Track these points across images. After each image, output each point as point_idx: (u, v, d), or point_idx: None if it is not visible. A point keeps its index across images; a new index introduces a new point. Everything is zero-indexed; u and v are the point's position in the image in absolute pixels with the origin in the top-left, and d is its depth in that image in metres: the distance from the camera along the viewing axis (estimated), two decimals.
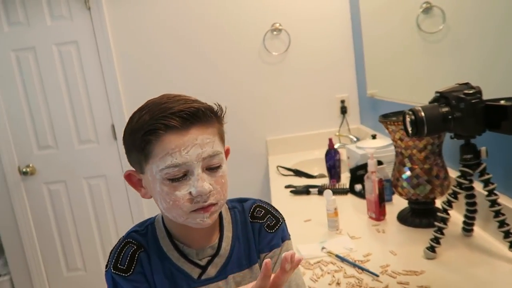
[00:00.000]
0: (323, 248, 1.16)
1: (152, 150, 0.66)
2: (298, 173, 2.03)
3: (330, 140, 1.79)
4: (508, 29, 1.00)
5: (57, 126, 2.48)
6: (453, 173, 1.19)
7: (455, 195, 1.00)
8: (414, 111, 0.93)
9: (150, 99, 0.71)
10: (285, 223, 0.82)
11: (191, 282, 0.74)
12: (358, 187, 1.57)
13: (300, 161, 2.23)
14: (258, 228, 0.79)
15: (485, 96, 0.90)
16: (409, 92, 1.64)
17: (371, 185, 1.30)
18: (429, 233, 1.04)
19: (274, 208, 0.84)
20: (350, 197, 1.59)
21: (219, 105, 0.72)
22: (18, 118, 2.47)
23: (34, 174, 2.52)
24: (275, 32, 2.39)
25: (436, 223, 1.02)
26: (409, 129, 0.96)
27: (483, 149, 0.95)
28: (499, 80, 1.04)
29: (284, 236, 0.80)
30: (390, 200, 1.44)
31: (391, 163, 1.36)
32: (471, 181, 0.99)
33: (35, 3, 2.35)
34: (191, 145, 0.66)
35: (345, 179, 1.76)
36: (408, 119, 0.95)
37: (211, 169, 0.69)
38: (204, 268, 0.75)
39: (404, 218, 1.27)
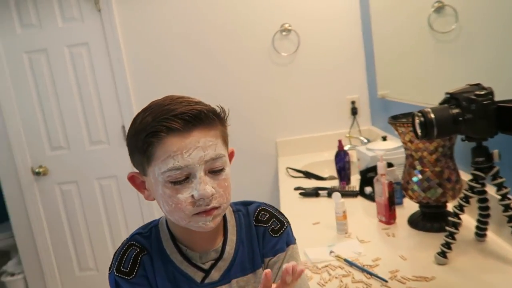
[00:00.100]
0: (331, 252, 1.14)
1: (154, 153, 0.66)
2: (307, 174, 2.01)
3: (340, 141, 1.77)
4: None
5: (68, 127, 2.51)
6: (466, 176, 1.16)
7: (466, 199, 0.97)
8: (423, 113, 0.91)
9: (154, 101, 0.71)
10: (290, 227, 0.81)
11: (194, 286, 0.73)
12: (368, 189, 1.54)
13: (310, 162, 2.21)
14: (263, 232, 0.78)
15: (497, 97, 0.88)
16: (421, 93, 1.61)
17: (380, 188, 1.28)
18: (441, 237, 1.01)
19: (279, 211, 0.82)
20: (360, 199, 1.56)
21: (222, 108, 0.71)
22: (31, 119, 2.50)
23: (46, 174, 2.55)
24: (284, 33, 2.37)
25: (447, 228, 0.99)
26: (418, 131, 0.93)
27: (495, 152, 0.92)
28: None
29: (289, 241, 0.79)
30: (400, 203, 1.41)
31: (402, 165, 1.33)
32: (483, 185, 0.96)
33: (47, 5, 2.38)
34: (193, 148, 0.65)
35: (355, 181, 1.73)
36: (417, 121, 0.93)
37: (214, 172, 0.68)
38: (207, 272, 0.74)
39: (414, 222, 1.24)
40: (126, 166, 2.53)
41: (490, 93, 0.87)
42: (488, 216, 1.02)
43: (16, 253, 2.75)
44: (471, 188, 0.96)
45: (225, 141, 0.72)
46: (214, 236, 0.76)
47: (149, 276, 0.72)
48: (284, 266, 0.51)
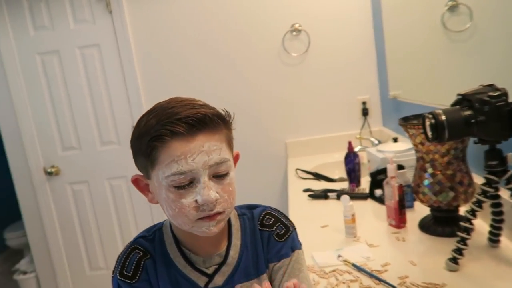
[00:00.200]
0: (339, 256, 1.12)
1: (158, 157, 0.65)
2: (317, 176, 1.99)
3: (350, 143, 1.74)
4: None
5: (80, 128, 2.53)
6: (479, 179, 1.12)
7: (479, 203, 0.94)
8: (434, 114, 0.88)
9: (158, 102, 0.70)
10: (296, 232, 0.79)
11: None
12: (378, 192, 1.52)
13: (320, 163, 2.18)
14: (267, 237, 0.77)
15: (511, 99, 0.85)
16: (433, 94, 1.58)
17: (390, 191, 1.25)
18: (452, 242, 0.98)
19: (284, 216, 0.81)
20: (370, 202, 1.54)
21: (227, 111, 0.70)
22: (43, 120, 2.53)
23: (58, 174, 2.58)
24: (294, 33, 2.35)
25: (459, 234, 0.96)
26: (429, 133, 0.91)
27: (509, 155, 0.89)
28: None
29: (294, 246, 0.77)
30: (411, 206, 1.38)
31: (413, 167, 1.30)
32: (496, 189, 0.93)
33: (59, 7, 2.41)
34: (198, 152, 0.64)
35: (365, 183, 1.70)
36: (427, 123, 0.90)
37: (218, 177, 0.67)
38: (211, 277, 0.73)
39: (425, 226, 1.21)
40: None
41: (504, 94, 0.84)
42: (502, 221, 0.99)
43: (28, 251, 2.79)
44: (484, 193, 0.93)
45: (230, 145, 0.71)
46: (218, 240, 0.75)
47: (152, 280, 0.72)
48: (284, 284, 0.50)
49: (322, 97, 2.41)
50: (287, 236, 0.77)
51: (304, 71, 2.39)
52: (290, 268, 0.75)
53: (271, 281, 0.76)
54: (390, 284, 0.95)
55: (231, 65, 2.42)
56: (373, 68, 2.36)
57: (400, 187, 1.24)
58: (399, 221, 1.25)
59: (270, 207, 0.81)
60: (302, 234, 0.81)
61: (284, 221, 0.79)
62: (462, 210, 1.13)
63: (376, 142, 2.16)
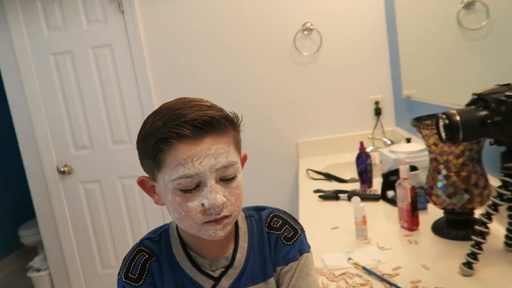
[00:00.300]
0: (349, 258, 1.10)
1: (164, 159, 0.64)
2: (328, 176, 1.97)
3: (361, 143, 1.71)
4: None
5: (92, 127, 2.55)
6: (495, 182, 1.09)
7: (495, 207, 0.91)
8: (448, 115, 0.86)
9: (165, 103, 0.69)
10: (304, 235, 0.78)
11: None
12: (390, 193, 1.49)
13: (332, 164, 2.16)
14: (275, 240, 0.75)
15: None
16: (448, 94, 1.54)
17: (403, 193, 1.22)
18: (467, 246, 0.95)
19: (293, 218, 0.79)
20: (381, 204, 1.51)
21: (235, 113, 0.68)
22: (57, 120, 2.56)
23: (71, 173, 2.61)
24: (306, 32, 2.33)
25: (473, 238, 0.94)
26: (443, 134, 0.88)
27: None
28: None
29: (302, 249, 0.75)
30: (424, 208, 1.35)
31: (427, 168, 1.27)
32: None
33: (72, 7, 2.43)
34: (204, 155, 0.63)
35: (377, 184, 1.68)
36: (441, 123, 0.88)
37: (225, 180, 0.66)
38: (217, 280, 0.72)
39: (439, 229, 1.18)
40: None
41: None
42: None
43: (42, 249, 2.83)
44: (500, 195, 0.90)
45: (238, 147, 0.70)
46: (225, 243, 0.73)
47: (157, 283, 0.71)
48: None
49: (334, 97, 2.38)
50: (295, 239, 0.75)
51: (316, 70, 2.37)
52: (298, 272, 0.74)
53: (278, 285, 0.74)
54: None
55: (242, 65, 2.41)
56: (386, 67, 2.33)
57: (413, 188, 1.21)
58: (411, 223, 1.22)
59: (278, 209, 0.80)
60: (312, 236, 0.79)
61: (292, 223, 0.77)
62: (477, 213, 1.10)
63: (389, 142, 2.13)
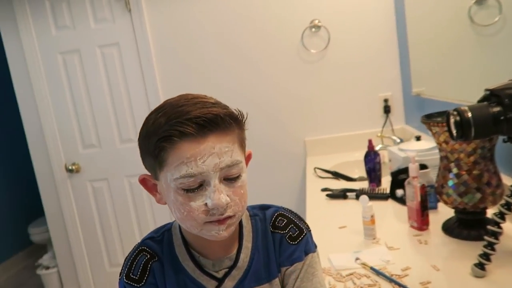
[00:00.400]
0: (357, 259, 1.08)
1: (166, 158, 0.62)
2: (336, 175, 1.94)
3: (370, 141, 1.69)
4: None
5: (100, 126, 2.56)
6: (508, 180, 1.06)
7: (508, 206, 0.88)
8: (459, 111, 0.83)
9: (168, 99, 0.67)
10: (310, 234, 0.76)
11: None
12: (399, 192, 1.46)
13: (340, 162, 2.13)
14: (279, 239, 0.73)
15: None
16: (459, 90, 1.50)
17: (412, 191, 1.20)
18: (478, 246, 0.93)
19: (298, 217, 0.77)
20: (390, 202, 1.48)
21: (240, 111, 0.66)
22: (65, 118, 2.57)
23: (79, 171, 2.62)
24: (313, 29, 2.30)
25: (486, 238, 0.91)
26: (454, 131, 0.85)
27: None
28: None
29: (308, 249, 0.73)
30: (435, 207, 1.32)
31: (437, 167, 1.24)
32: None
33: (80, 6, 2.44)
34: (208, 154, 0.61)
35: (386, 183, 1.64)
36: (452, 120, 0.85)
37: (229, 180, 0.64)
38: (220, 281, 0.70)
39: (450, 228, 1.15)
40: None
41: None
42: None
43: (51, 247, 2.85)
44: None
45: (242, 146, 0.68)
46: (228, 243, 0.72)
47: (159, 284, 0.70)
48: None
49: (342, 94, 2.35)
50: (300, 238, 0.73)
51: (324, 68, 2.34)
52: (303, 272, 0.72)
53: (283, 286, 0.73)
54: None
55: (250, 62, 2.39)
56: (395, 64, 2.29)
57: (423, 187, 1.18)
58: (421, 223, 1.19)
59: (283, 207, 0.78)
60: (319, 235, 0.77)
61: (297, 222, 0.75)
62: (490, 212, 1.07)
63: (398, 140, 2.09)
